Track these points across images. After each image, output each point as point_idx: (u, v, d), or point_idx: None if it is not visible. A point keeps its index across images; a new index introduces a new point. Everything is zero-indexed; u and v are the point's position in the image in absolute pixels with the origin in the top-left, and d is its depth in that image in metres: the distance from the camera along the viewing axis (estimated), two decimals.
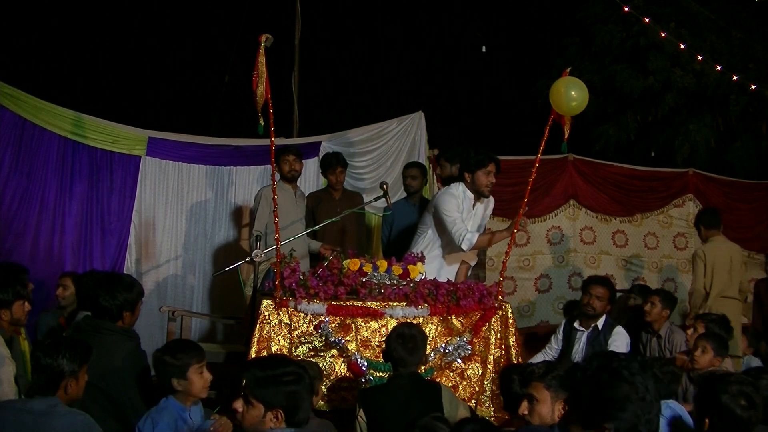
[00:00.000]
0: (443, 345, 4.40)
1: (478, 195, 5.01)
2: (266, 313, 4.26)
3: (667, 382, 3.68)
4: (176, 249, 6.57)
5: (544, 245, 7.71)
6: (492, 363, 4.55)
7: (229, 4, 10.61)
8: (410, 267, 4.61)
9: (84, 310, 4.27)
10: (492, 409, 4.50)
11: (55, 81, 10.25)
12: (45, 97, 6.20)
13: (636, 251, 7.91)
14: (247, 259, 4.91)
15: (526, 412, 2.97)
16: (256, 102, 3.99)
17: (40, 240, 6.06)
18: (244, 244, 6.58)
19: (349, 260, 4.51)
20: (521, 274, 7.64)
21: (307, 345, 4.32)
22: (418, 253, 4.80)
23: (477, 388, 4.54)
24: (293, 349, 4.28)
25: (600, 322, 4.85)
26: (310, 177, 6.84)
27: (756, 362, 5.06)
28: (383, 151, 7.16)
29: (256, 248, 4.69)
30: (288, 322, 4.28)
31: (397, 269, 4.56)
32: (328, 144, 6.92)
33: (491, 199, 5.16)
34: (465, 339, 4.43)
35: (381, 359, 4.08)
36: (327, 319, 4.27)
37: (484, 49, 12.05)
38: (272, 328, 4.26)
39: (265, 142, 5.04)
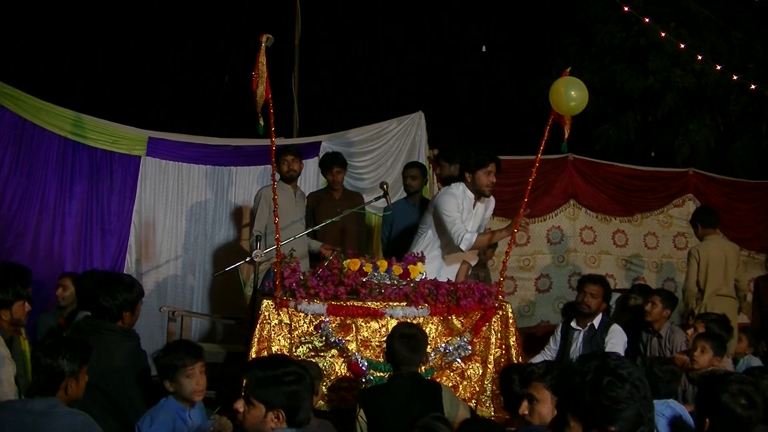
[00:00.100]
0: (443, 345, 4.40)
1: (479, 195, 5.01)
2: (266, 313, 4.26)
3: (667, 381, 3.68)
4: (176, 249, 6.57)
5: (544, 245, 7.71)
6: (492, 363, 4.55)
7: (229, 4, 10.61)
8: (410, 267, 4.61)
9: (84, 310, 4.27)
10: (492, 409, 4.50)
11: (55, 81, 10.25)
12: (45, 97, 6.19)
13: (636, 251, 7.91)
14: (247, 259, 4.91)
15: (526, 412, 2.97)
16: (256, 102, 3.99)
17: (40, 240, 6.06)
18: (244, 244, 6.58)
19: (349, 260, 4.51)
20: (521, 274, 7.65)
21: (307, 345, 4.32)
22: (418, 253, 4.80)
23: (477, 388, 4.54)
24: (293, 349, 4.28)
25: (596, 321, 4.86)
26: (310, 177, 6.84)
27: (756, 362, 5.06)
28: (383, 151, 7.16)
29: (256, 248, 4.70)
30: (288, 322, 4.28)
31: (397, 269, 4.56)
32: (328, 144, 6.92)
33: (492, 199, 5.16)
34: (465, 339, 4.43)
35: (381, 359, 4.09)
36: (327, 319, 4.27)
37: (484, 49, 12.06)
38: (272, 328, 4.26)
39: (265, 142, 5.04)
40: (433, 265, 4.98)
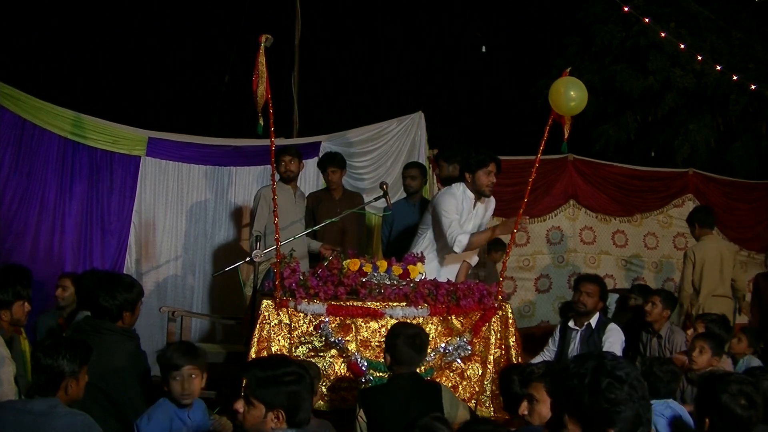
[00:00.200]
0: (443, 345, 4.40)
1: (479, 195, 5.00)
2: (266, 314, 4.26)
3: (667, 381, 3.68)
4: (176, 249, 6.57)
5: (544, 245, 7.72)
6: (492, 363, 4.55)
7: (229, 4, 10.61)
8: (410, 267, 4.60)
9: (84, 311, 4.27)
10: (492, 409, 4.50)
11: (55, 81, 10.26)
12: (45, 97, 6.19)
13: (636, 251, 7.92)
14: (247, 259, 4.90)
15: (526, 412, 2.97)
16: (256, 102, 3.98)
17: (40, 240, 6.05)
18: (244, 244, 6.58)
19: (349, 260, 4.51)
20: (521, 274, 7.65)
21: (307, 345, 4.32)
22: (418, 254, 4.79)
23: (477, 388, 4.54)
24: (293, 350, 4.28)
25: (593, 320, 4.85)
26: (310, 177, 6.84)
27: (756, 362, 5.05)
28: (383, 152, 7.16)
29: (256, 248, 4.69)
30: (288, 322, 4.28)
31: (397, 269, 4.56)
32: (328, 144, 6.92)
33: (492, 199, 5.15)
34: (465, 339, 4.43)
35: (381, 359, 4.08)
36: (327, 319, 4.27)
37: (484, 49, 12.05)
38: (272, 329, 4.25)
39: (265, 142, 5.04)
40: (433, 265, 4.98)
